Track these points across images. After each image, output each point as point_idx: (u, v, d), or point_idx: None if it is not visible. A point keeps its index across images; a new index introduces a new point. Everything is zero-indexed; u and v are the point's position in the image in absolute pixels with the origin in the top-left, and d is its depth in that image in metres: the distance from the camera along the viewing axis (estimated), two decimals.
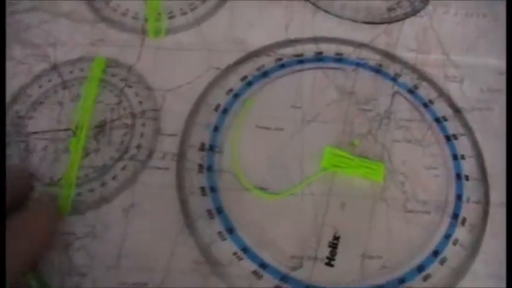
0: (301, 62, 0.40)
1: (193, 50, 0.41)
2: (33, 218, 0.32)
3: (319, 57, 0.40)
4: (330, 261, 0.34)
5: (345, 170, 0.36)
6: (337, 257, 0.34)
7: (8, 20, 0.42)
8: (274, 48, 0.41)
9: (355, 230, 0.35)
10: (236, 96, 0.39)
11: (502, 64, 0.41)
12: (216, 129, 0.37)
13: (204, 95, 0.39)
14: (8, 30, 0.42)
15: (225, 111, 0.38)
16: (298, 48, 0.41)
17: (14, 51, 0.41)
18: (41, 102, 0.39)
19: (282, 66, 0.40)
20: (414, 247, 0.34)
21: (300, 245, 0.34)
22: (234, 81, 0.39)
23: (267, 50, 0.41)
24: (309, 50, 0.41)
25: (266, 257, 0.34)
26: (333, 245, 0.34)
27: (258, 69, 0.40)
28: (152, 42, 0.41)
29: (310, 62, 0.40)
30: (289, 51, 0.41)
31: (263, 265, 0.33)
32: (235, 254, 0.33)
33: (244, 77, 0.39)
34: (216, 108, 0.38)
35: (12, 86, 0.39)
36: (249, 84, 0.39)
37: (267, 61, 0.40)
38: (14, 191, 0.34)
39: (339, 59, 0.40)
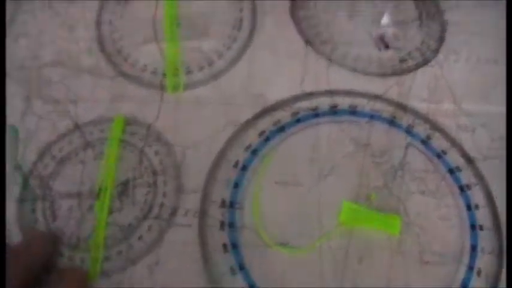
0: (316, 115, 0.41)
1: (211, 104, 0.42)
2: (64, 285, 0.33)
3: (333, 111, 0.41)
4: None
5: (362, 224, 0.37)
6: None
7: (30, 74, 0.43)
8: (290, 102, 0.42)
9: (374, 283, 0.36)
10: (254, 152, 0.40)
11: None
12: (236, 185, 0.38)
13: (224, 151, 0.40)
14: (29, 85, 0.43)
15: (244, 167, 0.39)
16: (314, 102, 0.42)
17: (35, 107, 0.42)
18: (64, 162, 0.40)
19: (298, 120, 0.41)
20: None
21: None
22: (252, 137, 0.40)
23: (283, 104, 0.42)
24: (324, 103, 0.42)
25: None
26: None
27: (274, 123, 0.41)
28: (171, 97, 0.42)
29: (326, 116, 0.41)
30: (304, 104, 0.42)
31: None
32: None
33: (262, 132, 0.40)
34: (236, 165, 0.39)
35: (37, 142, 0.41)
36: (267, 139, 0.40)
37: (284, 115, 0.41)
38: (38, 257, 0.35)
39: (353, 111, 0.41)
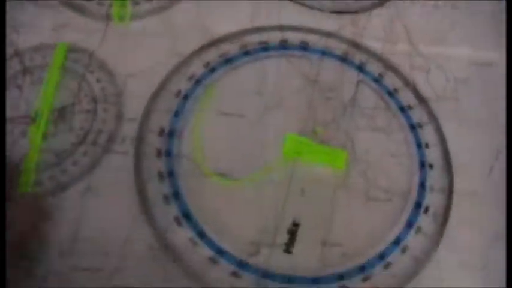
0: (265, 49, 0.40)
1: (158, 36, 0.40)
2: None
3: (284, 46, 0.40)
4: (288, 248, 0.33)
5: (306, 157, 0.36)
6: (296, 244, 0.33)
7: None
8: (239, 35, 0.40)
9: (316, 217, 0.34)
10: (198, 82, 0.38)
11: (477, 54, 0.41)
12: (176, 114, 0.37)
13: (166, 81, 0.38)
14: None
15: (186, 97, 0.37)
16: (264, 36, 0.40)
17: None
18: None
19: (246, 53, 0.39)
20: (375, 235, 0.34)
21: (259, 232, 0.33)
22: (196, 68, 0.39)
23: (231, 37, 0.40)
24: (274, 37, 0.40)
25: (223, 243, 0.33)
26: (292, 232, 0.34)
27: (221, 55, 0.39)
28: (117, 28, 0.41)
29: (275, 50, 0.40)
30: (254, 38, 0.40)
31: (220, 251, 0.32)
32: (191, 239, 0.33)
33: (207, 64, 0.39)
34: (177, 94, 0.38)
35: None
36: (212, 70, 0.39)
37: (231, 48, 0.40)
38: None
39: (304, 47, 0.40)
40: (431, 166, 0.36)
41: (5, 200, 0.29)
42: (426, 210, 0.35)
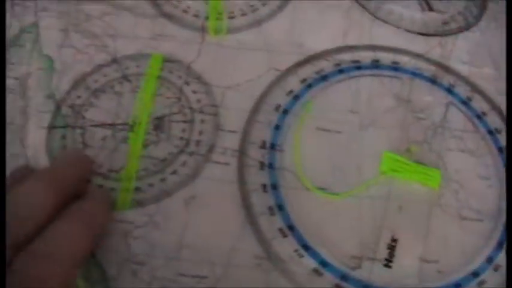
0: (358, 68, 0.41)
1: (253, 49, 0.41)
2: (92, 201, 0.32)
3: (376, 65, 0.41)
4: (388, 263, 0.34)
5: (403, 175, 0.37)
6: (395, 259, 0.34)
7: (69, 8, 0.43)
8: (333, 53, 0.41)
9: (412, 233, 0.35)
10: (296, 97, 0.39)
11: None
12: (277, 127, 0.38)
13: (265, 94, 0.39)
14: (68, 19, 0.42)
15: (286, 111, 0.38)
16: (356, 55, 0.42)
17: (73, 40, 0.41)
18: (100, 92, 0.39)
19: (341, 71, 0.41)
20: (469, 253, 0.35)
21: (359, 246, 0.34)
22: (294, 83, 0.40)
23: (325, 55, 0.41)
24: (366, 57, 0.42)
25: (326, 255, 0.34)
26: (391, 247, 0.35)
27: (317, 72, 0.40)
28: (213, 39, 0.42)
29: (368, 69, 0.41)
30: (347, 57, 0.41)
31: (323, 263, 0.33)
32: (296, 251, 0.34)
33: (304, 80, 0.40)
34: (277, 109, 0.39)
35: (73, 73, 0.40)
36: (309, 86, 0.40)
37: (326, 65, 0.41)
38: (74, 177, 0.33)
39: (395, 67, 0.41)
40: None
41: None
42: None
